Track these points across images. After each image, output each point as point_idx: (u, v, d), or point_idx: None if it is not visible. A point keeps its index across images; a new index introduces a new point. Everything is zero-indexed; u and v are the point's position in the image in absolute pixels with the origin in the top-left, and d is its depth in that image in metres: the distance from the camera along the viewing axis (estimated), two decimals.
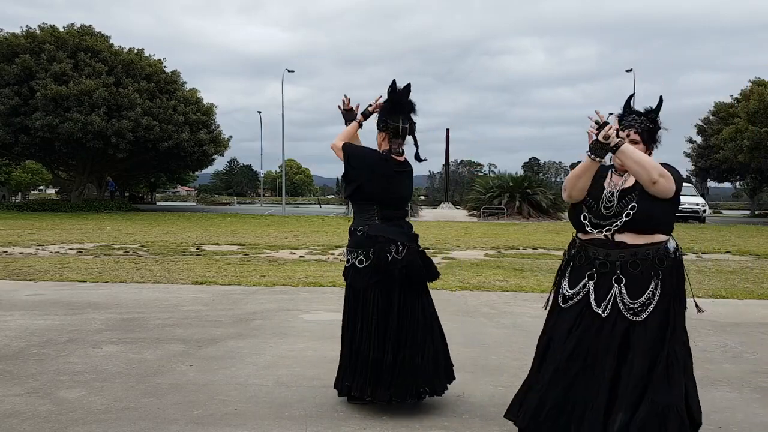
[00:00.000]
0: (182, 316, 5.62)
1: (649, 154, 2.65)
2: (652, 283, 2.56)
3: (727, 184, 43.03)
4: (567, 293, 2.72)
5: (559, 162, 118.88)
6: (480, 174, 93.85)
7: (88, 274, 8.13)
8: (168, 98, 30.32)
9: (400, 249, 3.22)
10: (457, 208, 41.86)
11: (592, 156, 2.58)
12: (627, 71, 37.32)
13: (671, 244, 2.63)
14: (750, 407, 3.45)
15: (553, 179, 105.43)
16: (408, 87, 3.35)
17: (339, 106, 3.52)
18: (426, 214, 33.97)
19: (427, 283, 3.47)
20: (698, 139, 36.15)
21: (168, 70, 31.92)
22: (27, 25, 29.84)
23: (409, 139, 3.38)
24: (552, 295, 2.88)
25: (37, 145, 28.20)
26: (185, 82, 32.80)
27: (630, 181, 2.63)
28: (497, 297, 6.85)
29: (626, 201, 2.59)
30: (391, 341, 3.17)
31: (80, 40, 28.93)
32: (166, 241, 13.42)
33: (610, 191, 2.64)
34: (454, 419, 3.20)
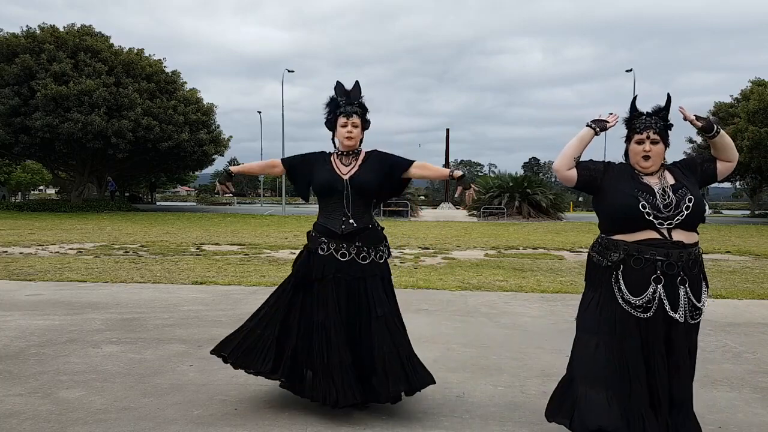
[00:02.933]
0: (182, 316, 5.61)
1: (665, 152, 2.67)
2: (704, 284, 2.58)
3: (727, 184, 43.03)
4: (632, 301, 2.53)
5: None
6: (480, 174, 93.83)
7: (88, 274, 8.13)
8: (168, 98, 30.33)
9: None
10: (457, 208, 41.87)
11: (597, 129, 2.67)
12: (627, 71, 37.41)
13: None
14: (750, 407, 3.45)
15: (553, 179, 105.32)
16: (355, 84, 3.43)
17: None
18: (426, 214, 34.00)
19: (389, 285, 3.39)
20: (698, 139, 36.16)
21: (168, 70, 31.94)
22: (27, 25, 29.87)
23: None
24: (590, 302, 2.68)
25: (37, 145, 28.20)
26: (185, 82, 32.81)
27: (671, 179, 2.63)
28: (497, 297, 6.85)
29: (681, 194, 2.56)
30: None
31: (80, 40, 28.92)
32: (166, 241, 13.41)
33: (661, 187, 2.59)
34: (454, 419, 3.20)
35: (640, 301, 2.52)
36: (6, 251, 11.07)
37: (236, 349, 3.26)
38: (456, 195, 3.45)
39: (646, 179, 2.63)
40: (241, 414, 3.23)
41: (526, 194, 31.07)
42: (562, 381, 2.75)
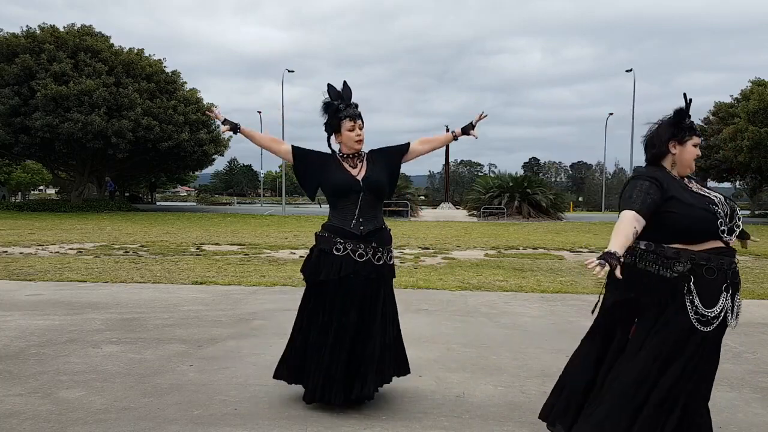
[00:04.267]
0: (182, 316, 5.61)
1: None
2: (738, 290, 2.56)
3: (727, 184, 43.01)
4: (707, 313, 2.43)
5: (559, 162, 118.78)
6: (480, 174, 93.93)
7: (88, 274, 8.13)
8: (168, 98, 30.34)
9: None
10: (457, 208, 41.91)
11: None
12: (627, 71, 37.39)
13: None
14: (750, 407, 3.45)
15: (553, 179, 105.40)
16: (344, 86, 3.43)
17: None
18: (426, 214, 34.00)
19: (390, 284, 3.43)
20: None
21: (168, 70, 31.94)
22: (27, 25, 29.87)
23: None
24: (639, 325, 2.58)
25: (37, 145, 28.21)
26: (185, 82, 32.83)
27: (705, 189, 2.62)
28: (497, 297, 6.85)
29: (731, 204, 2.56)
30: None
31: (80, 40, 28.93)
32: (166, 241, 13.42)
33: (716, 197, 2.56)
34: (454, 419, 3.20)
35: (711, 313, 2.44)
36: (6, 251, 11.07)
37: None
38: (474, 123, 3.62)
39: (696, 188, 2.62)
40: (241, 414, 3.22)
41: (526, 194, 31.09)
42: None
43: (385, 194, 3.40)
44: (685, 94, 2.66)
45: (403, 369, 3.47)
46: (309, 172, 3.41)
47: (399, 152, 3.47)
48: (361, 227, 3.27)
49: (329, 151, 3.43)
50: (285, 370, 3.37)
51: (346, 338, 3.18)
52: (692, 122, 2.65)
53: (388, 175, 3.40)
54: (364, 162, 3.37)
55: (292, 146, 3.46)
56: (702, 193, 2.58)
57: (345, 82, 3.42)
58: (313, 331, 3.26)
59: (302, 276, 3.37)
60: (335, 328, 3.19)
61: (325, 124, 3.41)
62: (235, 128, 3.47)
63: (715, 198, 2.56)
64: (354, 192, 3.27)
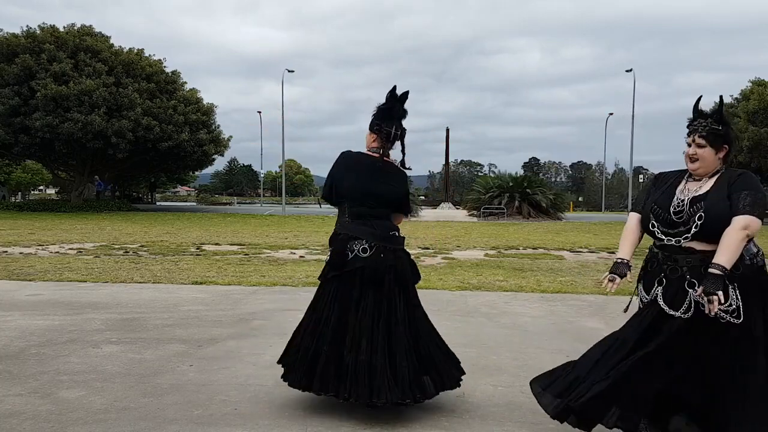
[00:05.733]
0: (182, 316, 5.61)
1: (721, 154, 2.63)
2: (729, 290, 2.49)
3: None
4: (644, 299, 2.71)
5: (559, 162, 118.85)
6: (480, 174, 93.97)
7: (88, 274, 8.13)
8: (168, 98, 30.36)
9: (365, 247, 3.22)
10: (457, 208, 41.90)
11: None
12: (627, 71, 37.37)
13: (749, 251, 2.55)
14: None
15: (553, 179, 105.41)
16: (406, 94, 3.39)
17: None
18: (426, 214, 33.99)
19: (415, 286, 3.40)
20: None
21: (168, 70, 31.95)
22: (27, 25, 29.91)
23: (397, 145, 3.41)
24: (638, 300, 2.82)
25: (37, 145, 28.22)
26: (185, 82, 32.86)
27: (704, 189, 2.62)
28: (497, 297, 6.85)
29: (695, 209, 2.56)
30: (350, 340, 3.12)
31: (80, 40, 28.95)
32: (166, 241, 13.42)
33: (680, 198, 2.62)
34: (454, 419, 3.20)
35: (647, 300, 2.68)
36: (6, 251, 11.07)
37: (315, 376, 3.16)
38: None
39: (685, 186, 2.67)
40: (241, 414, 3.22)
41: (526, 194, 31.10)
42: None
43: (401, 198, 3.39)
44: (720, 97, 2.74)
45: (448, 380, 3.24)
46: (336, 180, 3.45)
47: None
48: (374, 229, 3.27)
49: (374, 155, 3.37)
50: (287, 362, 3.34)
51: (327, 332, 3.15)
52: (698, 122, 2.66)
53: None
54: (386, 165, 3.37)
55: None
56: (675, 192, 2.67)
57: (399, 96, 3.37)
58: (310, 323, 3.27)
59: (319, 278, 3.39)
60: (323, 320, 3.18)
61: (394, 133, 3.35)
62: None
63: (677, 198, 2.63)
64: (373, 194, 3.31)
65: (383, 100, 3.39)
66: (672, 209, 2.62)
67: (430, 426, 3.10)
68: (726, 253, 2.42)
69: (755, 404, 2.48)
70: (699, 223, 2.53)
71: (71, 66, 27.84)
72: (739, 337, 2.50)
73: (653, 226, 2.66)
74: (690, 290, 2.53)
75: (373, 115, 3.39)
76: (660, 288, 2.61)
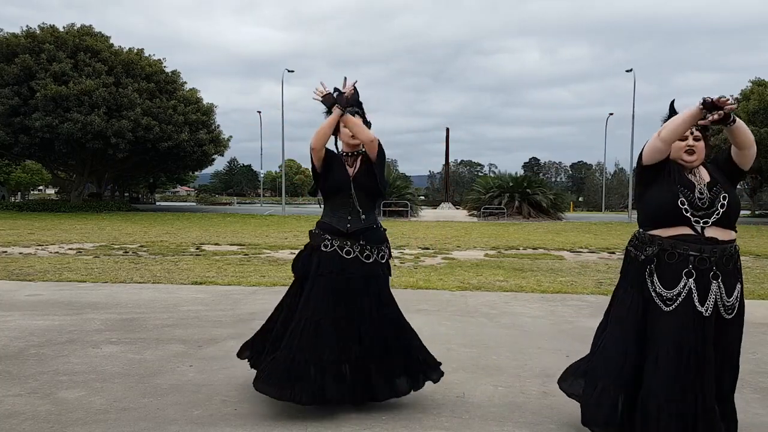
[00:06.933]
0: (182, 316, 5.61)
1: (705, 146, 2.70)
2: (738, 282, 2.62)
3: None
4: (665, 294, 2.58)
5: (559, 162, 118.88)
6: (480, 174, 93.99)
7: (87, 274, 8.13)
8: (168, 98, 30.36)
9: (329, 242, 3.26)
10: (457, 208, 41.91)
11: (705, 112, 2.48)
12: (627, 71, 37.34)
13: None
14: (750, 407, 3.45)
15: (553, 179, 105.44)
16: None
17: (315, 98, 3.43)
18: (426, 214, 34.01)
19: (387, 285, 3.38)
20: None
21: (168, 70, 31.95)
22: (27, 25, 29.91)
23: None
24: (617, 298, 2.77)
25: (36, 145, 28.22)
26: (185, 82, 32.86)
27: (707, 176, 2.66)
28: (497, 297, 6.85)
29: (715, 192, 2.59)
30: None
31: (80, 40, 28.95)
32: (166, 241, 13.42)
33: (700, 184, 2.62)
34: (454, 419, 3.19)
35: (669, 293, 2.57)
36: (6, 251, 11.07)
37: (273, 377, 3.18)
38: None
39: (693, 175, 2.67)
40: (241, 414, 3.22)
41: (526, 194, 31.11)
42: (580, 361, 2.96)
43: (376, 193, 3.37)
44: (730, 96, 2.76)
45: (426, 375, 3.34)
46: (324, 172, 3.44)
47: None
48: (348, 225, 3.28)
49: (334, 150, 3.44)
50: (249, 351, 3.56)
51: (322, 334, 3.14)
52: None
53: (376, 174, 3.35)
54: (358, 161, 3.38)
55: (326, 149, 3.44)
56: (689, 178, 2.66)
57: (345, 79, 3.40)
58: (280, 318, 3.38)
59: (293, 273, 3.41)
60: (309, 324, 3.16)
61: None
62: (346, 104, 3.30)
63: (698, 184, 2.63)
64: (344, 190, 3.29)
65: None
66: (697, 193, 2.60)
67: (430, 426, 3.10)
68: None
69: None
70: (724, 203, 2.57)
71: (71, 66, 27.84)
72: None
73: (683, 203, 2.57)
74: (714, 283, 2.54)
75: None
76: (692, 281, 2.54)
